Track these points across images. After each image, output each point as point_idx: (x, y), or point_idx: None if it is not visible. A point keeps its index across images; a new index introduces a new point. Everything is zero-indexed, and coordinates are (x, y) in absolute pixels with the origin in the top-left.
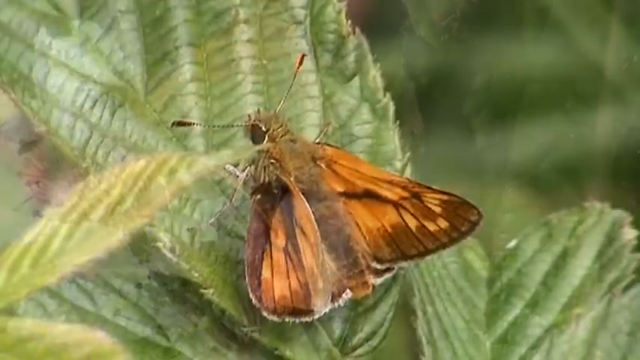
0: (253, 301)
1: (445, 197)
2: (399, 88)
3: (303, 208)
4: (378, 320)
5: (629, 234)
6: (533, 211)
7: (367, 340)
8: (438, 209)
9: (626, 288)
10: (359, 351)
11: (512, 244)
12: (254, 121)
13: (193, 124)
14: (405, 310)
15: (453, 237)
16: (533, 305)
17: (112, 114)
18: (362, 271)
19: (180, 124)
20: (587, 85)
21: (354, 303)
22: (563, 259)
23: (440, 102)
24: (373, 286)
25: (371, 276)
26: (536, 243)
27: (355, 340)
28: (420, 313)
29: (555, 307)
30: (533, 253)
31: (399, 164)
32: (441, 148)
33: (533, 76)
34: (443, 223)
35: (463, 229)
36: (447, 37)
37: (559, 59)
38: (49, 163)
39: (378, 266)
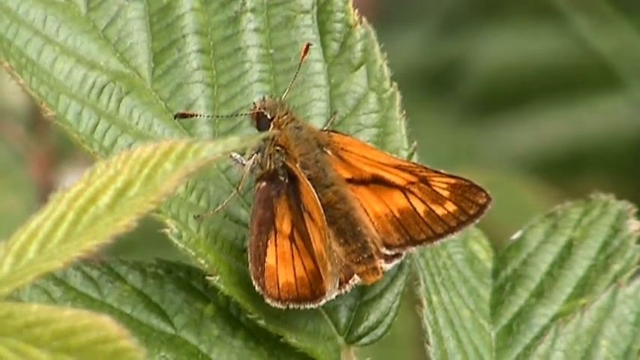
0: (256, 288)
1: (453, 181)
2: (406, 78)
3: (309, 193)
4: (383, 309)
5: (634, 225)
6: (537, 202)
7: (373, 329)
8: (445, 193)
9: (632, 278)
10: (364, 340)
11: (517, 235)
12: (259, 108)
13: (196, 115)
14: (411, 299)
15: (461, 221)
16: (539, 295)
17: (119, 101)
18: (371, 256)
19: (183, 115)
20: (589, 76)
21: (360, 292)
22: (569, 249)
23: (445, 92)
24: (383, 272)
25: (381, 261)
26: (541, 234)
27: (361, 329)
28: (425, 303)
29: (560, 298)
30: (539, 244)
31: (405, 153)
32: (445, 137)
33: (538, 66)
34: (451, 207)
35: (471, 212)
36: (452, 27)
37: (562, 49)
38: (56, 149)
39: (387, 252)
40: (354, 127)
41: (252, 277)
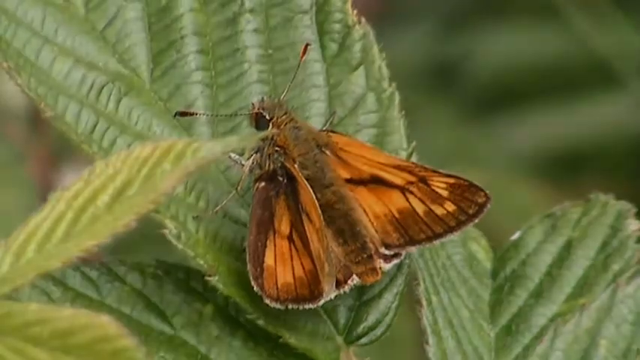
0: (255, 288)
1: (452, 180)
2: (405, 78)
3: (307, 194)
4: (382, 309)
5: (633, 225)
6: (537, 202)
7: (372, 329)
8: (445, 193)
9: (631, 278)
10: (363, 340)
11: (516, 235)
12: (258, 109)
13: (196, 114)
14: (410, 300)
15: (460, 220)
16: (538, 296)
17: (118, 102)
18: (370, 256)
19: (183, 114)
20: (589, 76)
21: (359, 292)
22: (568, 250)
23: (445, 91)
24: (382, 272)
25: (380, 261)
26: (540, 234)
27: (360, 329)
28: (424, 303)
29: (560, 298)
30: (537, 245)
31: (404, 153)
32: (445, 137)
33: (538, 66)
34: (450, 207)
35: (471, 211)
36: (451, 27)
37: (562, 49)
38: (56, 148)
39: (386, 252)
40: (353, 128)
41: (251, 278)
